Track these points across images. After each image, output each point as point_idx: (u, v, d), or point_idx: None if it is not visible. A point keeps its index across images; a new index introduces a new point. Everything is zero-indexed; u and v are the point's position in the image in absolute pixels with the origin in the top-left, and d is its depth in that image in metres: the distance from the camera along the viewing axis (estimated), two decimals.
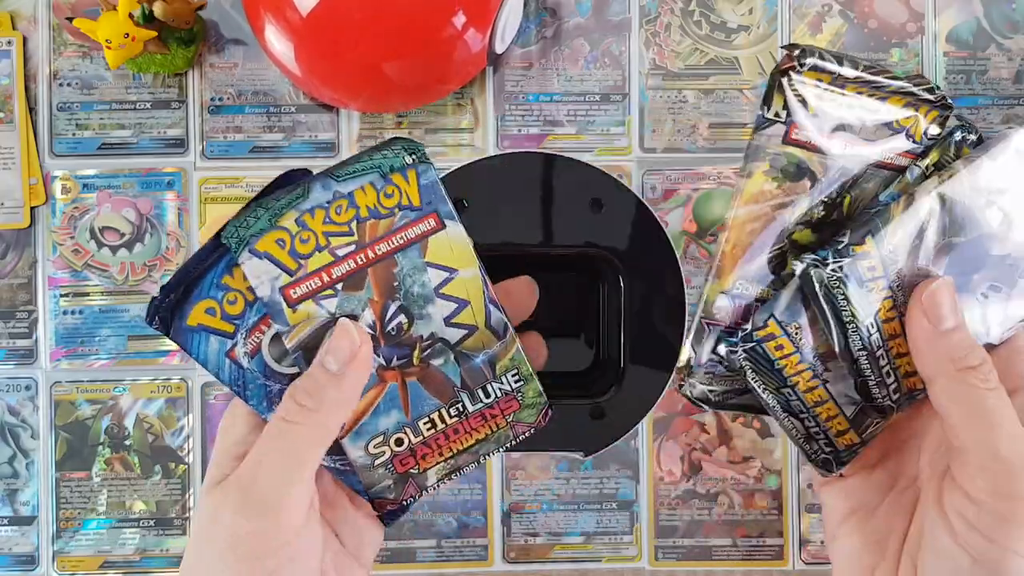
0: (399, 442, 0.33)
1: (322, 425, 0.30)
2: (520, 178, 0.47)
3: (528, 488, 0.53)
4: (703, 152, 0.54)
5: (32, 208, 0.53)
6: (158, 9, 0.48)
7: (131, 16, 0.48)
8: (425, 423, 0.33)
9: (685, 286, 0.46)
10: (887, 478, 0.35)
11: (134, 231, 0.53)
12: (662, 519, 0.53)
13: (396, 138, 0.33)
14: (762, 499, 0.53)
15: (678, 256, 0.46)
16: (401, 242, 0.32)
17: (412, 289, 0.32)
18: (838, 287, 0.30)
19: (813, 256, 0.30)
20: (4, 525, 0.53)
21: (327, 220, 0.32)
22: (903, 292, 0.31)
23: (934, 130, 0.32)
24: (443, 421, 0.33)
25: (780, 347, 0.31)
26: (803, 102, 0.31)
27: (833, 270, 0.30)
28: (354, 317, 0.32)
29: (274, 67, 0.51)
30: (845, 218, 0.32)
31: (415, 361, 0.32)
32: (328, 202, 0.32)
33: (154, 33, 0.49)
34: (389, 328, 0.32)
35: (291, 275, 0.31)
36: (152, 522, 0.53)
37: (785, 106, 0.31)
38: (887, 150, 0.32)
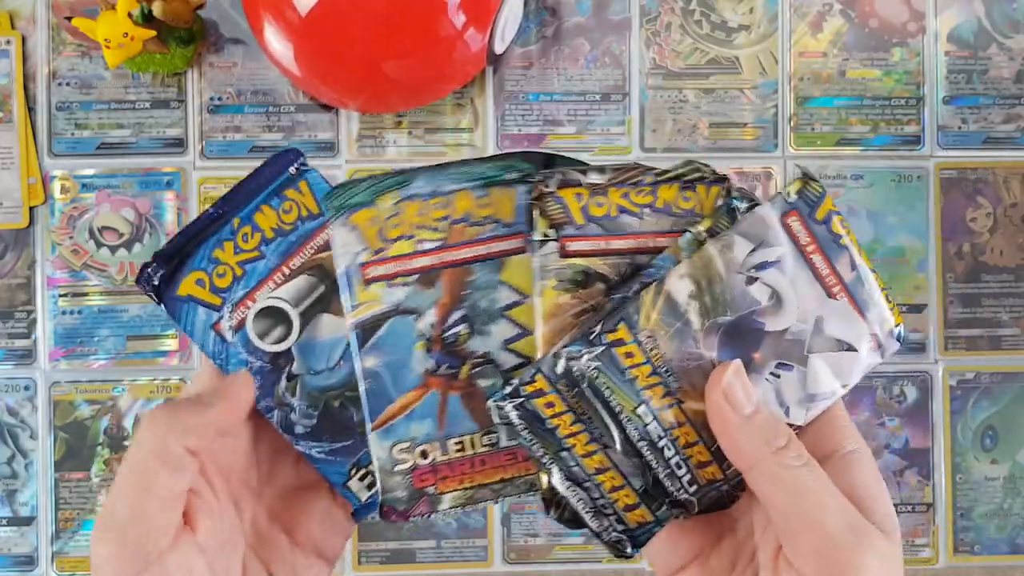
0: (424, 454, 0.32)
1: (181, 471, 0.29)
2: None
3: None
4: (704, 152, 0.53)
5: (31, 208, 0.52)
6: (157, 8, 0.48)
7: (130, 15, 0.48)
8: (455, 444, 0.32)
9: None
10: (725, 564, 0.33)
11: (133, 231, 0.53)
12: None
13: (514, 153, 0.33)
14: None
15: None
16: (483, 253, 0.32)
17: (480, 303, 0.32)
18: (598, 377, 0.30)
19: (567, 349, 0.30)
20: (3, 526, 0.53)
21: (421, 212, 0.32)
22: (675, 378, 0.30)
23: (720, 202, 0.33)
24: (473, 447, 0.32)
25: (550, 404, 0.30)
26: (567, 218, 0.32)
27: (589, 360, 0.29)
28: (417, 313, 0.32)
29: (273, 67, 0.51)
30: None
31: (462, 375, 0.32)
32: (428, 195, 0.32)
33: (153, 32, 0.49)
34: (447, 335, 0.32)
35: (373, 254, 0.32)
36: None
37: (551, 225, 0.32)
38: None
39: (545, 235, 0.31)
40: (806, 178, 0.31)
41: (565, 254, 0.32)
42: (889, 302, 0.32)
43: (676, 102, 0.54)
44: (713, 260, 0.31)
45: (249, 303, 0.32)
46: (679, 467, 0.31)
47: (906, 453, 0.54)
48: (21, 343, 0.53)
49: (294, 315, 0.32)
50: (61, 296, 0.53)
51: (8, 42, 0.52)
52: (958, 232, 0.54)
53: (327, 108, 0.53)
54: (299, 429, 0.33)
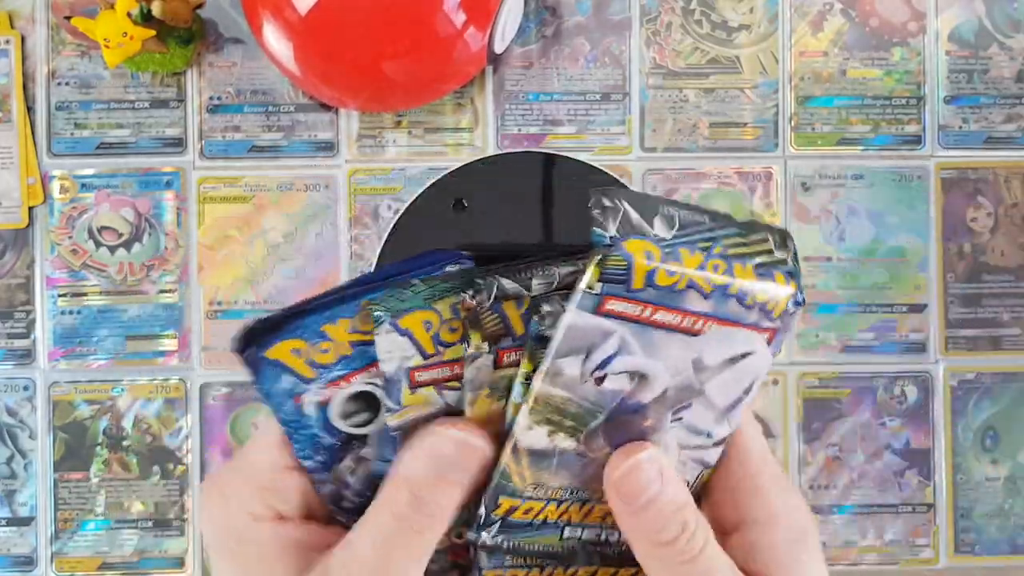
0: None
1: (444, 528, 0.30)
2: (520, 178, 0.47)
3: None
4: (704, 151, 0.53)
5: (30, 208, 0.52)
6: (156, 8, 0.48)
7: (129, 15, 0.48)
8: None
9: None
10: None
11: (132, 231, 0.53)
12: None
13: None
14: None
15: None
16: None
17: None
18: (510, 542, 0.30)
19: (474, 535, 0.30)
20: (2, 526, 0.53)
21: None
22: (582, 489, 0.30)
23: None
24: None
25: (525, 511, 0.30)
26: (505, 330, 0.30)
27: (493, 538, 0.30)
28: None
29: (273, 66, 0.51)
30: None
31: None
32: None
33: (152, 32, 0.49)
34: None
35: (425, 358, 0.31)
36: (150, 523, 0.53)
37: (485, 338, 0.30)
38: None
39: (478, 348, 0.30)
40: (603, 255, 0.28)
41: (500, 366, 0.30)
42: (779, 274, 0.28)
43: (676, 102, 0.54)
44: (550, 396, 0.28)
45: (343, 383, 0.31)
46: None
47: (907, 453, 0.54)
48: (20, 343, 0.53)
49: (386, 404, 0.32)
50: (60, 296, 0.53)
51: (7, 42, 0.52)
52: (959, 232, 0.54)
53: (327, 108, 0.53)
54: (347, 504, 0.32)
